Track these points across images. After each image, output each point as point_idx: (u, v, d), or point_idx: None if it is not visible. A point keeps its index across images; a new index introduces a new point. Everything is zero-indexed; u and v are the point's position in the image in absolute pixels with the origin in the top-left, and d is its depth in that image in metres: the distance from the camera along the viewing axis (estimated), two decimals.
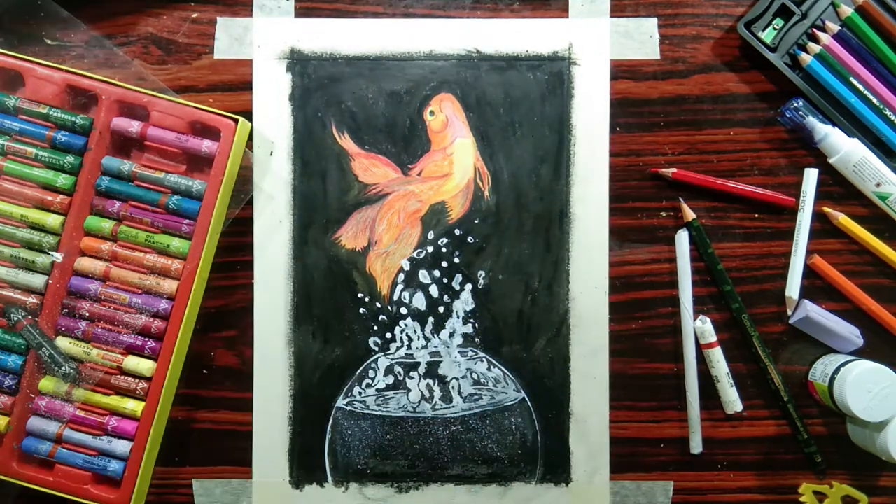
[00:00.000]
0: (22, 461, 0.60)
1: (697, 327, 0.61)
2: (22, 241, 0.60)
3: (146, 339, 0.60)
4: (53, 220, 0.60)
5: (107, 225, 0.60)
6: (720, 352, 0.61)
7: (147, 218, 0.60)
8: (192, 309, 0.60)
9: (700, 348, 0.62)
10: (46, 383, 0.60)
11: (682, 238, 0.62)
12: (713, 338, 0.61)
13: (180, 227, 0.60)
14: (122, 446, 0.59)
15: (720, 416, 0.62)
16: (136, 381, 0.60)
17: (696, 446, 0.62)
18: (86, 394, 0.59)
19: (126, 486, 0.59)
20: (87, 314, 0.60)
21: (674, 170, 0.62)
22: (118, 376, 0.60)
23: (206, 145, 0.60)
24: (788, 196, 0.62)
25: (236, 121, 0.60)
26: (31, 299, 0.60)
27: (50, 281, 0.60)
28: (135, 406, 0.60)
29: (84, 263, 0.60)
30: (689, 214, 0.62)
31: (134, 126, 0.60)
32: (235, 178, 0.61)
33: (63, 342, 0.60)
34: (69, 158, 0.60)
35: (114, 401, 0.60)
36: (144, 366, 0.59)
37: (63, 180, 0.60)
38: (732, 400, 0.61)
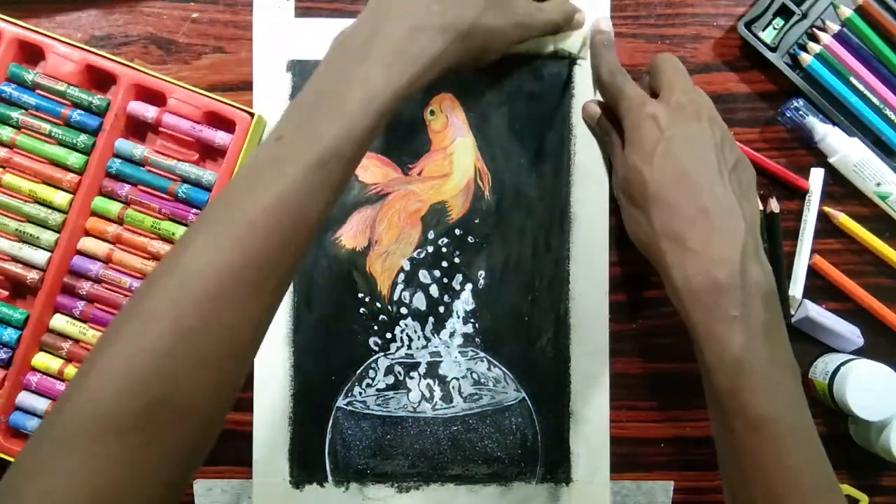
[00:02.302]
0: (9, 435, 0.60)
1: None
2: (28, 215, 0.60)
3: None
4: (62, 198, 0.60)
5: (114, 207, 0.60)
6: None
7: (155, 204, 0.60)
8: None
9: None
10: (40, 360, 0.60)
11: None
12: None
13: (187, 217, 0.60)
14: None
15: None
16: None
17: None
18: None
19: None
20: (87, 294, 0.60)
21: None
22: None
23: (220, 137, 0.60)
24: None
25: (252, 115, 0.60)
26: (32, 275, 0.60)
27: (52, 258, 0.60)
28: None
29: (88, 244, 0.60)
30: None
31: (150, 111, 0.60)
32: None
33: (60, 320, 0.60)
34: (83, 138, 0.60)
35: None
36: None
37: (75, 159, 0.60)
38: None
